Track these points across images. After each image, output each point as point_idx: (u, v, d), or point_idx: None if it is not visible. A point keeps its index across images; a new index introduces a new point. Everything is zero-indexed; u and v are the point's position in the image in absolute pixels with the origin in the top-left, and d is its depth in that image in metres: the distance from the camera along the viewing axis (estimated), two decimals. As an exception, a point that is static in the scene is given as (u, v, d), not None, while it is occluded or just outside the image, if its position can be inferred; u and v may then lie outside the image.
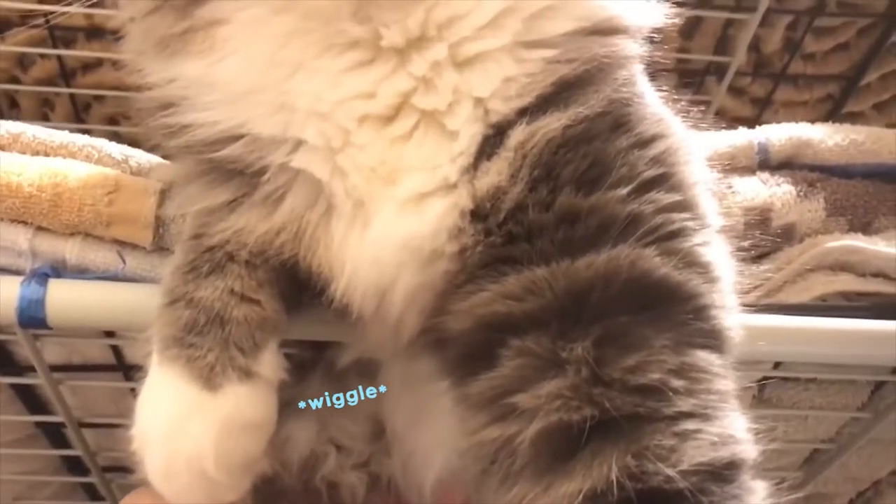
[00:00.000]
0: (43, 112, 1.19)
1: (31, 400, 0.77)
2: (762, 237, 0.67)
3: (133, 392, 0.73)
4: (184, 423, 0.48)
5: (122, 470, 0.85)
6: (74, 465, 0.87)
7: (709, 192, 0.51)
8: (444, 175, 0.47)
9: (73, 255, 0.62)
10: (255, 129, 0.48)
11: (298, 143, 0.48)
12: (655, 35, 0.53)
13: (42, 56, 1.11)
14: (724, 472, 0.42)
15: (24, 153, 0.64)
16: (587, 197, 0.45)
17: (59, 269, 0.62)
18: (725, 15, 1.09)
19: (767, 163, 0.73)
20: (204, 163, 0.51)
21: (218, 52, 0.49)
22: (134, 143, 1.19)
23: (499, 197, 0.46)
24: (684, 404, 0.43)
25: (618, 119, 0.48)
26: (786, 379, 0.75)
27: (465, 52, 0.47)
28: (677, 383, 0.43)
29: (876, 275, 0.70)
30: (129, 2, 0.55)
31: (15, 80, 1.14)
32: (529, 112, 0.47)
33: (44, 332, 0.63)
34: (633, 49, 0.51)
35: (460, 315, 0.47)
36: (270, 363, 0.51)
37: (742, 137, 0.73)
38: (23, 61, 1.13)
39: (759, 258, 0.69)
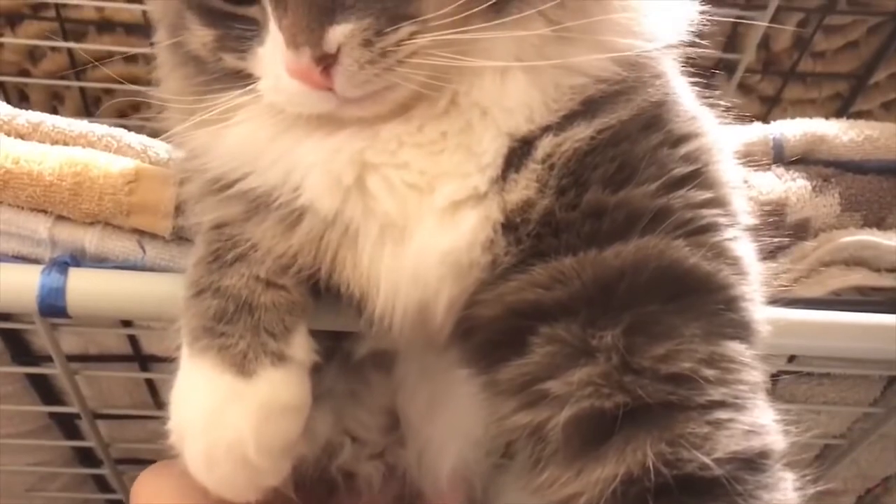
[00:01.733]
0: (52, 105, 1.20)
1: (45, 390, 0.77)
2: (778, 231, 0.67)
3: (148, 383, 0.74)
4: (221, 411, 0.48)
5: (134, 462, 0.86)
6: (85, 457, 0.87)
7: (740, 191, 0.51)
8: (475, 185, 0.47)
9: (92, 244, 0.62)
10: (260, 180, 0.50)
11: (302, 184, 0.49)
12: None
13: (52, 49, 1.11)
14: (756, 462, 0.43)
15: (43, 142, 0.64)
16: (615, 193, 0.46)
17: (78, 258, 0.62)
18: (735, 12, 1.09)
19: (782, 158, 0.73)
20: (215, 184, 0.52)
21: (228, 122, 0.50)
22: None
23: (528, 209, 0.47)
24: (716, 393, 0.43)
25: (648, 120, 0.48)
26: (799, 374, 0.75)
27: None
28: (708, 372, 0.43)
29: (890, 270, 0.70)
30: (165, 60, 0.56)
31: (25, 73, 1.15)
32: (555, 126, 0.47)
33: (63, 321, 0.63)
34: (666, 62, 0.51)
35: (489, 303, 0.48)
36: (302, 346, 0.51)
37: (757, 132, 0.74)
38: (33, 54, 1.13)
39: (774, 252, 0.69)
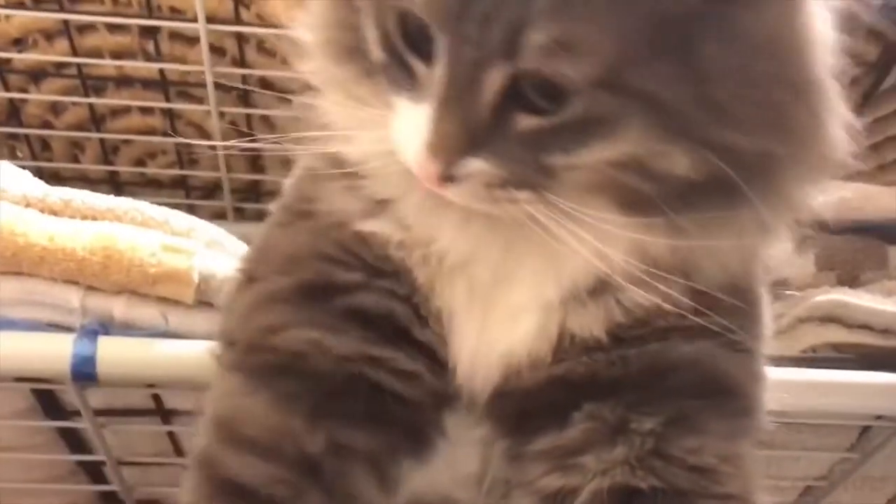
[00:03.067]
0: (73, 154, 1.25)
1: (72, 439, 0.82)
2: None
3: (169, 434, 0.79)
4: None
5: (154, 503, 0.91)
6: (110, 498, 0.92)
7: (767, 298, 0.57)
8: (548, 297, 0.50)
9: (120, 312, 0.68)
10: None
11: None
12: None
13: (74, 103, 1.17)
14: None
15: (74, 217, 0.70)
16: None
17: (106, 326, 0.67)
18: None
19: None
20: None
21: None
22: (159, 183, 1.26)
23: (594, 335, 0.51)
24: (731, 486, 0.49)
25: None
26: (778, 423, 0.80)
27: None
28: (726, 468, 0.49)
29: (861, 327, 0.75)
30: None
31: (48, 125, 1.20)
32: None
33: (88, 383, 0.69)
34: None
35: (531, 375, 0.52)
36: None
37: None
38: (56, 108, 1.19)
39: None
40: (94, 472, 0.87)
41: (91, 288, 0.67)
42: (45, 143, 1.24)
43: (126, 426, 0.77)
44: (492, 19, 0.39)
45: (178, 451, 0.82)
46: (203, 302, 0.69)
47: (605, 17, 0.38)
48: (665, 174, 0.42)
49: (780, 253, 0.76)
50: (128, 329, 0.68)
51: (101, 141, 1.21)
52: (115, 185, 1.27)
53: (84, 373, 0.64)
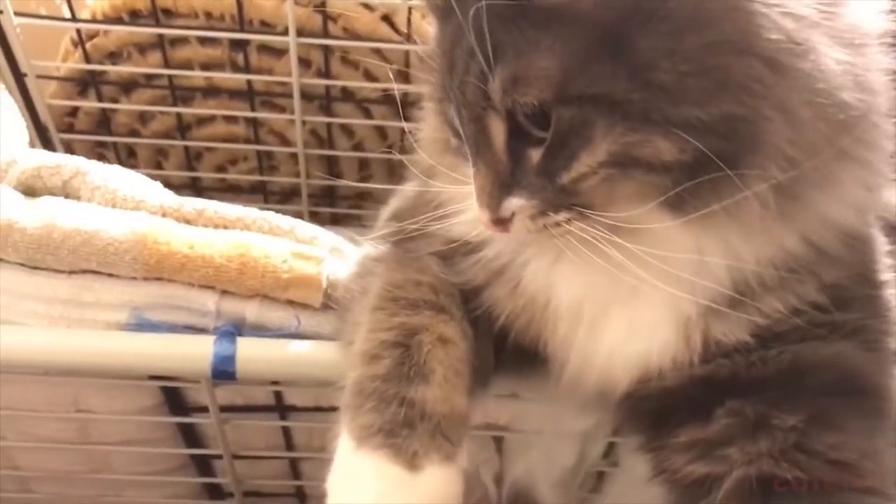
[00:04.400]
0: (157, 160, 1.30)
1: (189, 434, 0.86)
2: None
3: (284, 430, 0.83)
4: (387, 498, 0.51)
5: (258, 495, 0.95)
6: (213, 490, 0.97)
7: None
8: (682, 307, 0.54)
9: (252, 314, 0.72)
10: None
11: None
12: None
13: (161, 112, 1.22)
14: None
15: (206, 226, 0.74)
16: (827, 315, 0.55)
17: (239, 327, 0.72)
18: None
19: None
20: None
21: None
22: (239, 188, 1.30)
23: (729, 344, 0.55)
24: (871, 481, 0.52)
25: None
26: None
27: None
28: (866, 464, 0.53)
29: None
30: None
31: (135, 133, 1.25)
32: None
33: (226, 382, 0.73)
34: None
35: (672, 378, 0.57)
36: (465, 451, 0.56)
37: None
38: (143, 116, 1.24)
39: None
40: (203, 466, 0.92)
41: (225, 292, 0.72)
42: (131, 151, 1.29)
43: (246, 421, 0.82)
44: (467, 84, 0.50)
45: (290, 446, 0.86)
46: (328, 305, 0.73)
47: (540, 49, 0.46)
48: (658, 162, 0.47)
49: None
50: (259, 331, 0.72)
51: (186, 148, 1.26)
52: (197, 189, 1.32)
53: (224, 371, 0.68)
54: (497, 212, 0.52)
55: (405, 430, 0.52)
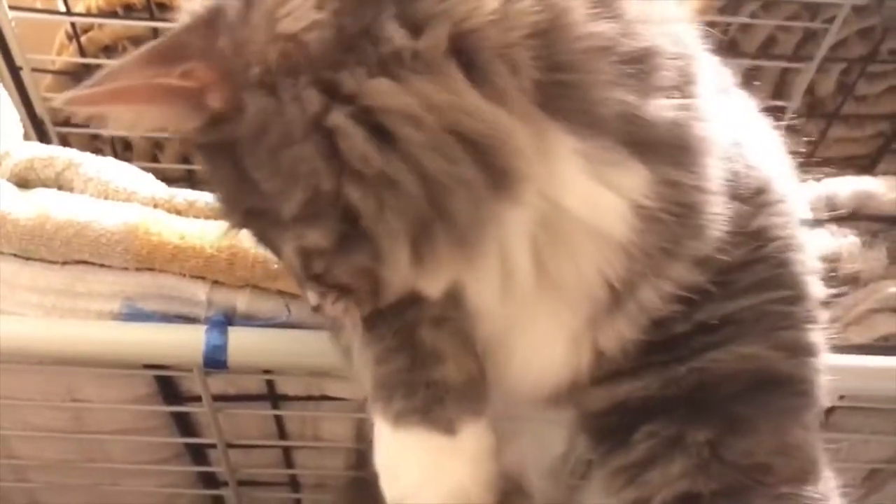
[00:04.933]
0: (153, 154, 1.31)
1: (183, 423, 0.87)
2: (831, 283, 0.76)
3: (277, 419, 0.84)
4: (439, 467, 0.56)
5: (252, 484, 0.97)
6: (208, 480, 0.98)
7: (813, 273, 0.60)
8: (568, 323, 0.56)
9: (243, 304, 0.73)
10: None
11: None
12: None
13: (157, 105, 1.22)
14: None
15: (197, 217, 0.75)
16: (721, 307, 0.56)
17: (230, 317, 0.73)
18: (783, 64, 1.18)
19: (834, 215, 0.82)
20: None
21: None
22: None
23: (625, 343, 0.56)
24: (783, 475, 0.54)
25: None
26: (851, 407, 0.84)
27: None
28: (778, 460, 0.55)
29: (933, 316, 0.79)
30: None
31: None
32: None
33: (217, 371, 0.74)
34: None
35: (598, 399, 0.59)
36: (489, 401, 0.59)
37: (812, 192, 0.82)
38: (139, 109, 1.24)
39: (828, 302, 0.78)
40: (198, 455, 0.93)
41: (216, 282, 0.73)
42: (127, 144, 1.30)
43: (239, 410, 0.83)
44: None
45: (282, 435, 0.87)
46: (319, 295, 0.73)
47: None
48: (320, 248, 0.51)
49: (851, 247, 0.81)
50: (249, 320, 0.73)
51: (181, 141, 1.27)
52: (192, 182, 1.32)
53: (215, 360, 0.69)
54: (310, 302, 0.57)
55: (436, 406, 0.56)
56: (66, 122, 1.22)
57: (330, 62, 0.47)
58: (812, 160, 0.84)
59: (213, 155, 0.53)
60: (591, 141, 0.49)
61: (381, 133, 0.47)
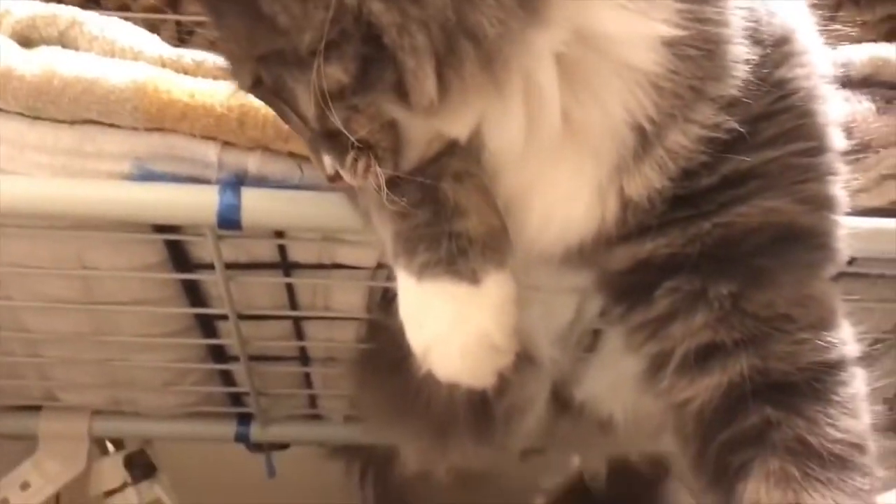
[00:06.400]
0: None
1: (193, 295, 0.88)
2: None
3: (288, 288, 0.85)
4: (464, 314, 0.57)
5: (263, 359, 0.98)
6: (217, 354, 0.98)
7: (836, 125, 0.61)
8: (593, 172, 0.56)
9: (255, 166, 0.72)
10: None
11: None
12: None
13: (152, -14, 1.19)
14: (832, 367, 0.56)
15: (206, 78, 0.73)
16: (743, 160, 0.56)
17: (241, 179, 0.72)
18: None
19: (849, 81, 0.81)
20: None
21: None
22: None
23: (652, 191, 0.57)
24: (802, 323, 0.56)
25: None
26: (857, 273, 0.85)
27: None
28: (798, 311, 0.57)
29: (945, 182, 0.79)
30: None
31: (125, 8, 1.23)
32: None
33: (232, 233, 0.74)
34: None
35: (621, 259, 0.60)
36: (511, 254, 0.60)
37: (828, 57, 0.81)
38: (133, -10, 1.21)
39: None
40: (208, 328, 0.93)
41: (227, 143, 0.72)
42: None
43: (252, 278, 0.83)
44: None
45: (294, 305, 0.88)
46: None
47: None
48: (340, 87, 0.50)
49: (865, 113, 0.80)
50: (261, 182, 0.72)
51: (178, 23, 1.24)
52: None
53: (230, 220, 0.69)
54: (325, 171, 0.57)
55: (460, 257, 0.57)
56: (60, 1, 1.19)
57: None
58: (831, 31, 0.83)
59: (222, 2, 0.52)
60: None
61: None
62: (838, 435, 0.54)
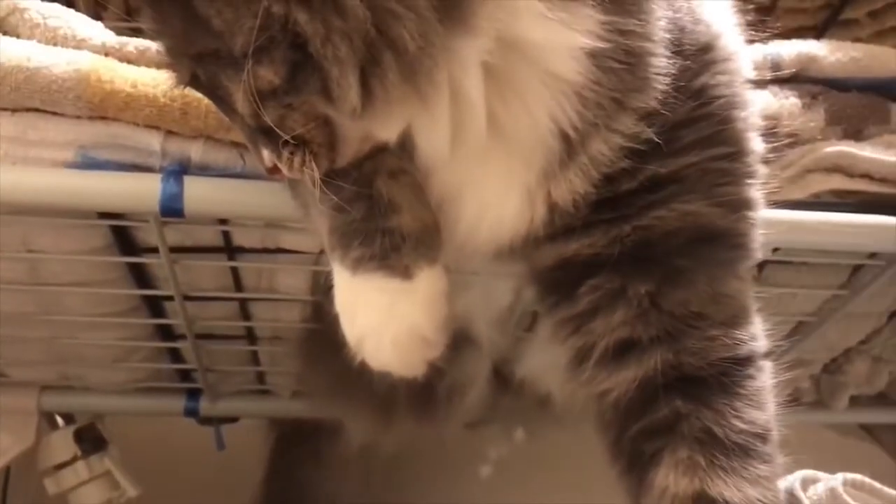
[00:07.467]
0: (96, 12, 1.27)
1: (139, 276, 0.89)
2: (771, 142, 0.80)
3: (233, 271, 0.86)
4: (396, 308, 0.59)
5: (209, 337, 0.99)
6: (165, 333, 1.00)
7: (755, 129, 0.63)
8: (522, 178, 0.59)
9: (197, 154, 0.73)
10: None
11: None
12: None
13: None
14: (742, 362, 0.60)
15: (149, 66, 0.74)
16: (663, 166, 0.59)
17: (184, 167, 0.74)
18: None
19: (778, 76, 0.85)
20: None
21: None
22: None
23: (576, 196, 0.59)
24: (714, 320, 0.60)
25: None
26: (782, 262, 0.89)
27: None
28: (712, 308, 0.60)
29: (862, 176, 0.83)
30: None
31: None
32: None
33: (173, 220, 0.75)
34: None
35: (547, 257, 0.63)
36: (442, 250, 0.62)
37: (757, 53, 0.84)
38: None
39: (767, 160, 0.81)
40: (155, 308, 0.95)
41: (170, 132, 0.73)
42: (69, 2, 1.25)
43: (195, 262, 0.84)
44: None
45: (238, 287, 0.90)
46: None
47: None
48: (272, 87, 0.52)
49: (791, 108, 0.83)
50: (204, 170, 0.74)
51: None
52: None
53: (172, 209, 0.70)
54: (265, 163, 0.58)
55: (393, 253, 0.59)
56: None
57: None
58: (760, 28, 0.86)
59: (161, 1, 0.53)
60: None
61: None
62: (743, 426, 0.58)
